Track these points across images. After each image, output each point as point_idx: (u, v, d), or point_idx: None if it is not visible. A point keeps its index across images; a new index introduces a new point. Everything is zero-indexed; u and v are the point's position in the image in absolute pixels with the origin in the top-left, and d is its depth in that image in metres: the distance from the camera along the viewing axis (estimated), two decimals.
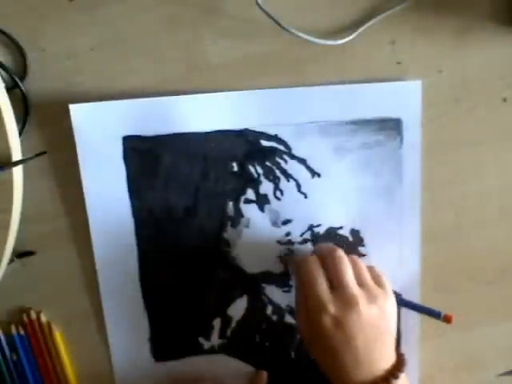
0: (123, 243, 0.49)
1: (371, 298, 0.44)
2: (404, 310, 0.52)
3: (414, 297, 0.52)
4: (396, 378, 0.43)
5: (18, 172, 0.44)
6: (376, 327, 0.43)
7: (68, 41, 0.45)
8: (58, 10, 0.44)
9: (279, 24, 0.44)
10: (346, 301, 0.43)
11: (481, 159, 0.51)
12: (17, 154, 0.43)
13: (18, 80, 0.45)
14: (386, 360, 0.44)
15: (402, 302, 0.50)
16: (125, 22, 0.45)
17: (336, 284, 0.44)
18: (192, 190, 0.49)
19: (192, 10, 0.45)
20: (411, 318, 0.53)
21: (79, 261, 0.49)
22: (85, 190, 0.47)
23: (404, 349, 0.54)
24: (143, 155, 0.47)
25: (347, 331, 0.43)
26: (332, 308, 0.43)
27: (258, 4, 0.44)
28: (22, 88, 0.45)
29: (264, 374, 0.53)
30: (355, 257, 0.47)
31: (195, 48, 0.46)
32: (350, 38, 0.46)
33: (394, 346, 0.45)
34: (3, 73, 0.44)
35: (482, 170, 0.51)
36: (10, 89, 0.44)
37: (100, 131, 0.46)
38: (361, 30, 0.46)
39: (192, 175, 0.48)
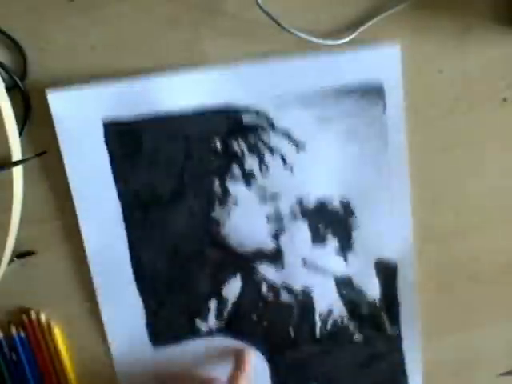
0: (112, 228, 0.48)
1: None
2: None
3: (409, 267, 0.52)
4: None
5: (17, 172, 0.44)
6: None
7: (68, 41, 0.45)
8: (58, 9, 0.44)
9: (279, 24, 0.44)
10: None
11: (481, 159, 0.51)
12: (17, 154, 0.43)
13: (18, 80, 0.45)
14: None
15: None
16: (125, 22, 0.45)
17: None
18: (177, 171, 0.48)
19: (192, 10, 0.45)
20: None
21: (79, 261, 0.49)
22: (69, 177, 0.47)
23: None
24: (125, 138, 0.47)
25: None
26: None
27: (258, 4, 0.44)
28: (22, 88, 0.45)
29: (249, 352, 0.53)
30: None
31: (195, 48, 0.46)
32: (350, 37, 0.46)
33: None
34: (3, 73, 0.44)
35: (482, 170, 0.51)
36: (10, 89, 0.44)
37: (80, 117, 0.45)
38: (361, 29, 0.46)
39: (176, 155, 0.48)
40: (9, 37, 0.44)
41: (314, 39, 0.45)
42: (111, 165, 0.47)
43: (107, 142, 0.47)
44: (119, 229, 0.49)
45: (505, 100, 0.50)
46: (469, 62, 0.49)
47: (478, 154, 0.51)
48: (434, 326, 0.53)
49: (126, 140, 0.47)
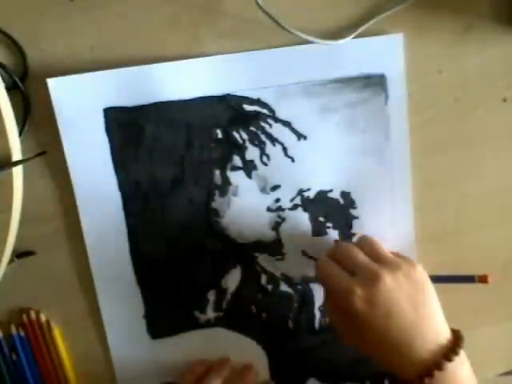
0: (111, 218, 0.48)
1: (393, 268, 0.42)
2: None
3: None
4: (456, 354, 0.41)
5: (17, 172, 0.44)
6: (409, 295, 0.42)
7: (68, 41, 0.45)
8: (58, 9, 0.44)
9: (279, 24, 0.44)
10: (369, 278, 0.42)
11: (481, 159, 0.51)
12: (17, 154, 0.43)
13: (17, 80, 0.45)
14: (439, 334, 0.42)
15: (433, 280, 0.45)
16: (125, 22, 0.45)
17: (354, 269, 0.43)
18: (177, 160, 0.48)
19: (192, 10, 0.45)
20: None
21: (79, 261, 0.49)
22: (69, 165, 0.46)
23: None
24: (126, 127, 0.46)
25: (382, 306, 0.41)
26: (358, 290, 0.41)
27: (257, 4, 0.44)
28: (22, 88, 0.45)
29: (252, 368, 0.53)
30: (366, 236, 0.47)
31: (195, 48, 0.46)
32: (350, 37, 0.46)
33: (442, 319, 0.43)
34: (3, 73, 0.44)
35: (482, 170, 0.51)
36: (10, 89, 0.44)
37: (80, 104, 0.45)
38: (361, 29, 0.46)
39: (176, 145, 0.47)
40: (9, 37, 0.44)
41: (314, 39, 0.45)
42: (111, 153, 0.47)
43: (107, 130, 0.46)
44: (119, 218, 0.48)
45: (505, 100, 0.50)
46: (469, 62, 0.49)
47: (478, 154, 0.51)
48: None
49: (127, 128, 0.46)
